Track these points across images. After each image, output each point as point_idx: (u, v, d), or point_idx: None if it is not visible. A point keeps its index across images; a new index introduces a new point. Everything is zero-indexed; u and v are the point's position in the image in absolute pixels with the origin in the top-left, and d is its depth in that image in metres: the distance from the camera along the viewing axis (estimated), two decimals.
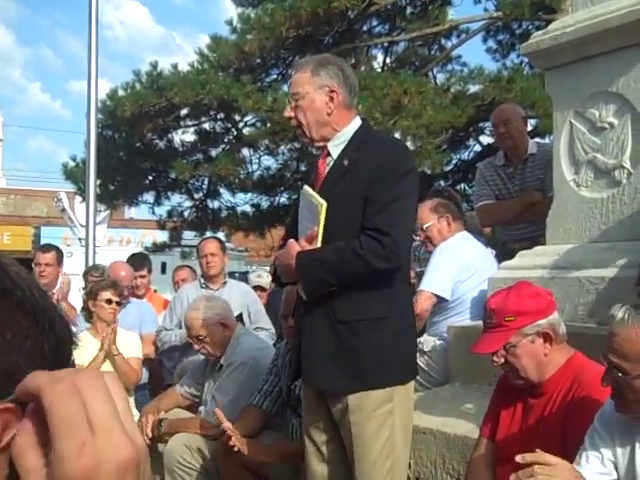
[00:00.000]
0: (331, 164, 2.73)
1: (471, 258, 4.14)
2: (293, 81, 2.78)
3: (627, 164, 3.43)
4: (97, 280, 4.84)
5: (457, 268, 4.06)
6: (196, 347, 4.04)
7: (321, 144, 2.77)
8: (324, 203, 2.58)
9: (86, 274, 5.98)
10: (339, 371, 2.63)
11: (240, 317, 5.02)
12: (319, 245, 2.60)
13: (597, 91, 3.56)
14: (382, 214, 2.53)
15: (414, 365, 2.84)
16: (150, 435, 3.94)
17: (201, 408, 4.01)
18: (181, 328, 5.17)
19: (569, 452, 2.28)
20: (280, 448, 3.59)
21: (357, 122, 2.77)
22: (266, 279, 6.66)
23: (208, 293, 5.08)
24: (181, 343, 5.01)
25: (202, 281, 5.43)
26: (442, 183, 11.22)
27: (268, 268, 7.89)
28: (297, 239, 2.72)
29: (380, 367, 2.61)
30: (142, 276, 6.13)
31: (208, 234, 10.84)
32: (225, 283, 5.40)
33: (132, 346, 4.83)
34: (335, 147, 2.73)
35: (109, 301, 4.66)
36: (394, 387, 2.64)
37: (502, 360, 2.56)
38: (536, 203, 4.44)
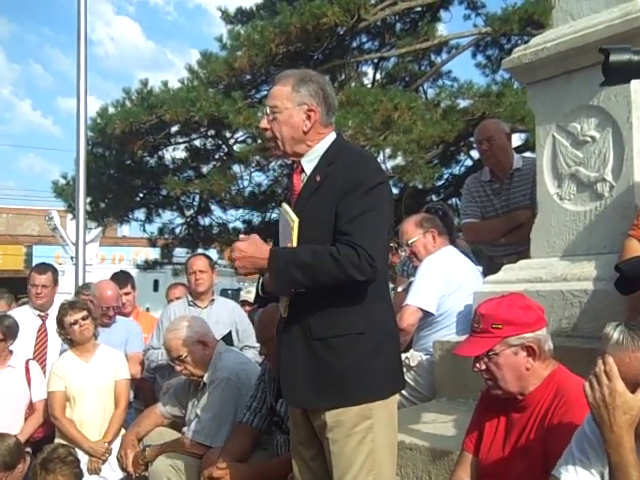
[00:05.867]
0: (305, 180, 2.73)
1: (456, 272, 4.13)
2: (273, 93, 2.75)
3: (609, 177, 3.45)
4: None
5: (442, 282, 4.05)
6: (178, 369, 4.01)
7: (294, 158, 2.78)
8: (296, 219, 2.59)
9: (78, 293, 5.96)
10: (316, 388, 2.60)
11: (230, 335, 5.00)
12: None
13: (578, 105, 3.58)
14: (354, 226, 2.52)
15: (397, 380, 2.80)
16: (132, 470, 3.92)
17: (185, 429, 3.97)
18: None
19: (551, 466, 2.26)
20: (263, 468, 3.56)
21: (331, 137, 2.76)
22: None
23: (197, 312, 5.06)
24: (167, 362, 4.98)
25: (190, 298, 5.40)
26: (434, 198, 11.26)
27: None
28: None
29: (358, 383, 2.58)
30: (127, 293, 6.09)
31: (200, 251, 10.84)
32: (213, 300, 5.37)
33: (119, 368, 4.82)
34: (308, 163, 2.73)
35: (74, 322, 4.65)
36: (373, 403, 2.62)
37: (483, 367, 2.56)
38: (522, 224, 4.41)
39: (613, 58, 2.40)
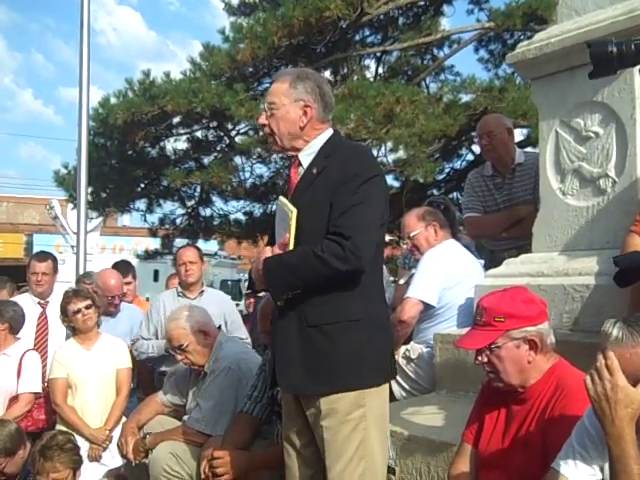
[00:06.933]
0: (302, 173, 2.81)
1: (458, 266, 4.15)
2: (271, 90, 2.85)
3: (612, 173, 3.46)
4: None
5: (444, 275, 4.07)
6: (179, 358, 4.01)
7: (292, 153, 2.86)
8: (294, 210, 2.66)
9: (78, 282, 5.98)
10: (310, 374, 2.64)
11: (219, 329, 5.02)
12: None
13: (582, 101, 3.59)
14: (344, 218, 2.59)
15: (388, 369, 2.83)
16: (132, 457, 3.94)
17: (185, 417, 3.99)
18: (158, 338, 5.13)
19: (550, 458, 2.28)
20: (263, 457, 3.58)
21: (328, 133, 2.85)
22: None
23: (186, 303, 5.05)
24: (158, 354, 4.98)
25: (179, 289, 5.41)
26: (435, 192, 11.26)
27: None
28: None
29: (352, 370, 2.63)
30: (128, 283, 6.11)
31: (200, 242, 10.84)
32: (202, 292, 5.39)
33: (121, 357, 4.84)
34: (306, 157, 2.81)
35: (77, 311, 4.67)
36: (366, 391, 2.66)
37: (485, 359, 2.58)
38: (523, 219, 4.44)
39: (593, 50, 2.45)
